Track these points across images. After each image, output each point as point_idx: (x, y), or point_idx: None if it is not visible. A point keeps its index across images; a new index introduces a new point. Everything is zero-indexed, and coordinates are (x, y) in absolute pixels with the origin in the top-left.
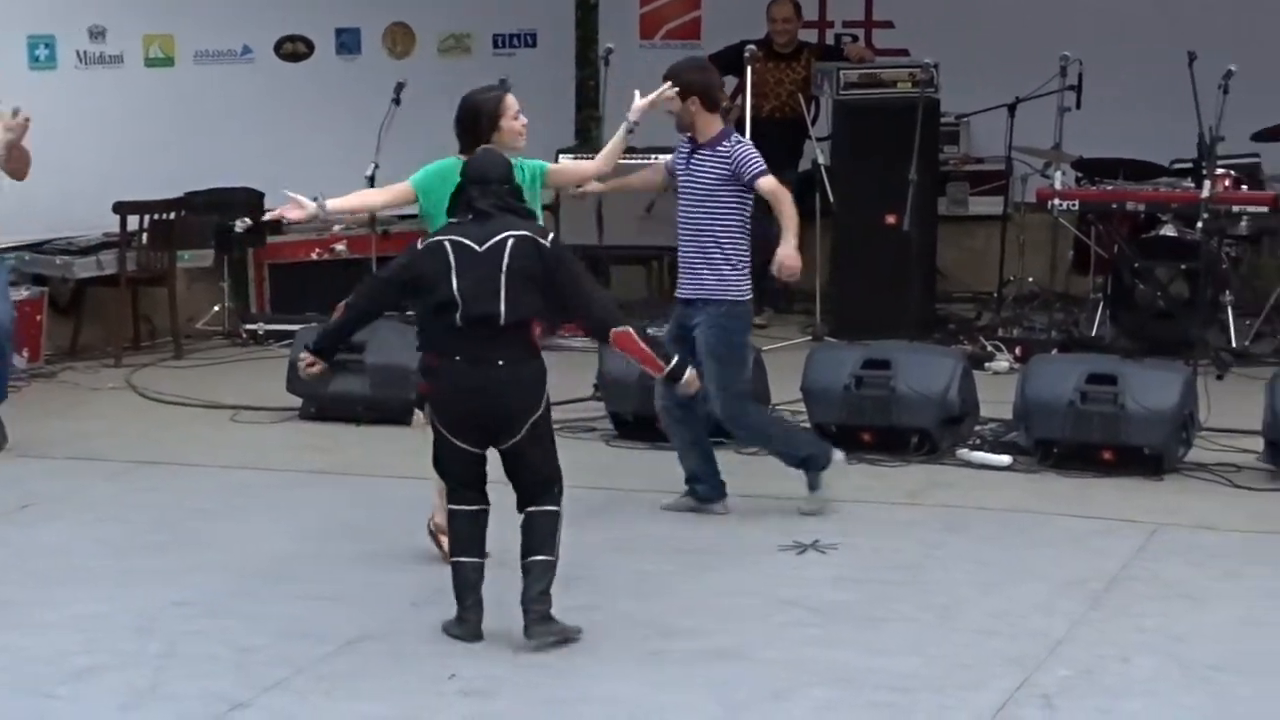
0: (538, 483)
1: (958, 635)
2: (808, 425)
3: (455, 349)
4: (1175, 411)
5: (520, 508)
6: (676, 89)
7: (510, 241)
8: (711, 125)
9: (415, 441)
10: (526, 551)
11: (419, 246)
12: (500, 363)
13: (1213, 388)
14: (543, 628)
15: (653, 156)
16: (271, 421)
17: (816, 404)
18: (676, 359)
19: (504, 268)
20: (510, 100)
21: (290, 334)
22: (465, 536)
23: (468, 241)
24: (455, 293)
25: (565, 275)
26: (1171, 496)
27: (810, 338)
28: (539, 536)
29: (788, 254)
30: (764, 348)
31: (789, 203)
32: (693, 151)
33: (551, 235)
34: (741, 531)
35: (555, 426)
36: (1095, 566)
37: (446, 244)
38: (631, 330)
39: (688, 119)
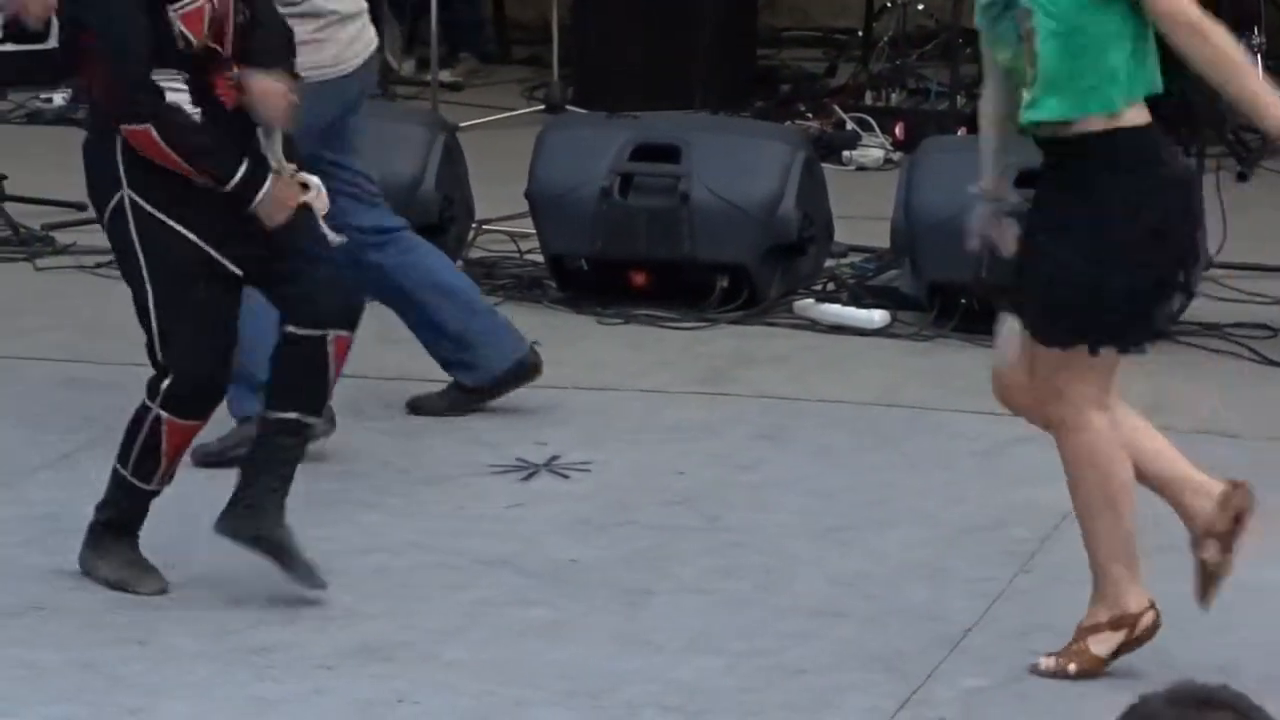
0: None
1: (782, 619)
2: (537, 258)
3: None
4: None
5: None
6: None
7: None
8: None
9: None
10: None
11: None
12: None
13: (1230, 197)
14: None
15: None
16: None
17: (553, 221)
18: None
19: None
20: None
21: None
22: None
23: None
24: None
25: None
26: (1155, 379)
27: (541, 107)
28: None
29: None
30: (461, 123)
31: None
32: None
33: None
34: (429, 441)
35: None
36: (1026, 503)
37: None
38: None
39: None
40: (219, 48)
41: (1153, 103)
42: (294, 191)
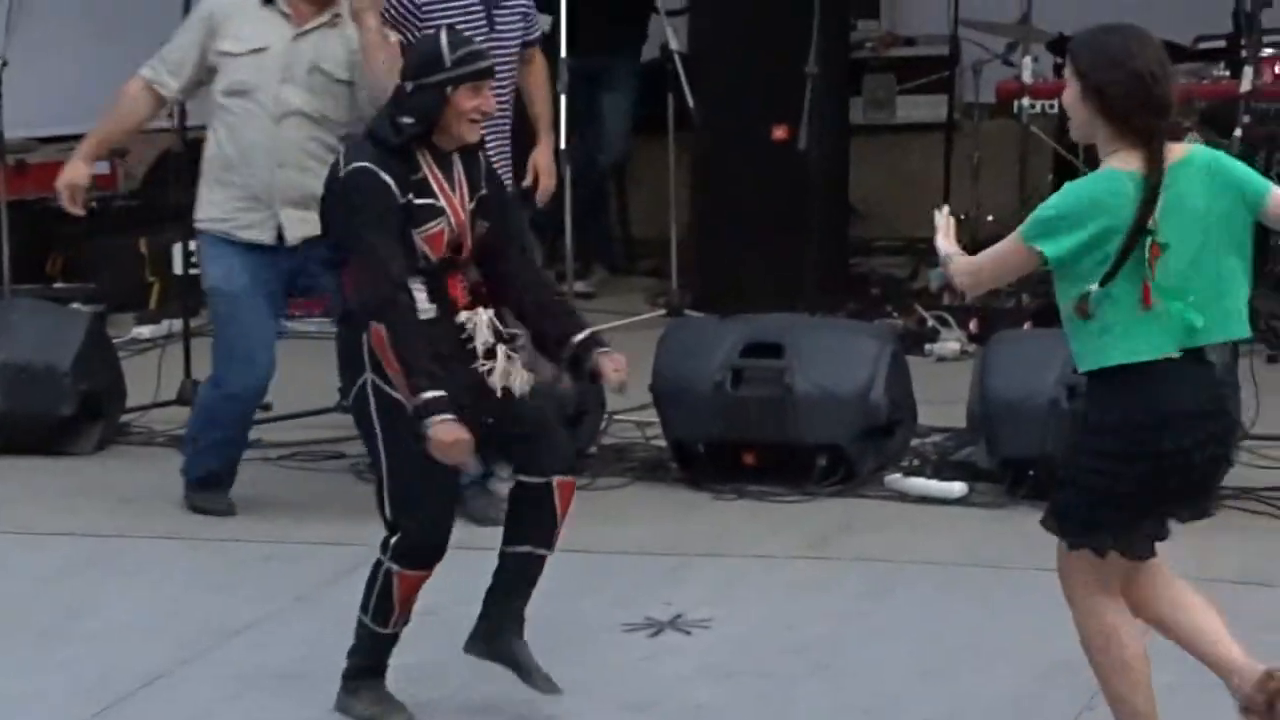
0: None
1: None
2: (661, 442)
3: None
4: None
5: None
6: None
7: None
8: None
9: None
10: None
11: None
12: None
13: (1262, 376)
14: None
15: None
16: None
17: (674, 410)
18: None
19: None
20: None
21: None
22: None
23: None
24: None
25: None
26: (1200, 537)
27: (663, 311)
28: None
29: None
30: (595, 326)
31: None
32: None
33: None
34: (570, 603)
35: None
36: None
37: None
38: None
39: None
40: (456, 257)
41: None
42: (456, 438)
